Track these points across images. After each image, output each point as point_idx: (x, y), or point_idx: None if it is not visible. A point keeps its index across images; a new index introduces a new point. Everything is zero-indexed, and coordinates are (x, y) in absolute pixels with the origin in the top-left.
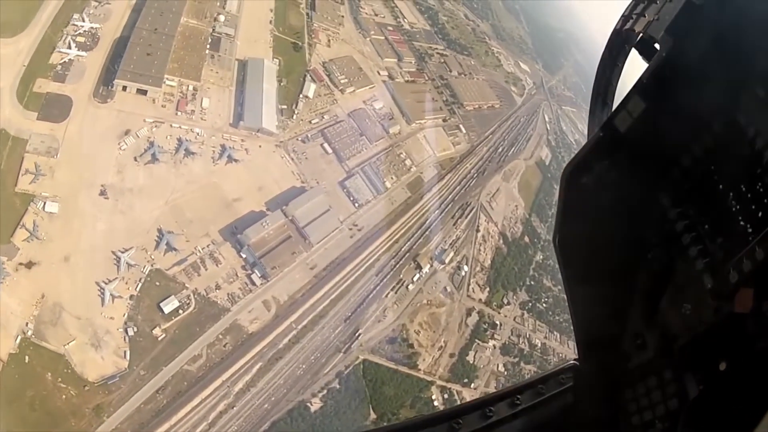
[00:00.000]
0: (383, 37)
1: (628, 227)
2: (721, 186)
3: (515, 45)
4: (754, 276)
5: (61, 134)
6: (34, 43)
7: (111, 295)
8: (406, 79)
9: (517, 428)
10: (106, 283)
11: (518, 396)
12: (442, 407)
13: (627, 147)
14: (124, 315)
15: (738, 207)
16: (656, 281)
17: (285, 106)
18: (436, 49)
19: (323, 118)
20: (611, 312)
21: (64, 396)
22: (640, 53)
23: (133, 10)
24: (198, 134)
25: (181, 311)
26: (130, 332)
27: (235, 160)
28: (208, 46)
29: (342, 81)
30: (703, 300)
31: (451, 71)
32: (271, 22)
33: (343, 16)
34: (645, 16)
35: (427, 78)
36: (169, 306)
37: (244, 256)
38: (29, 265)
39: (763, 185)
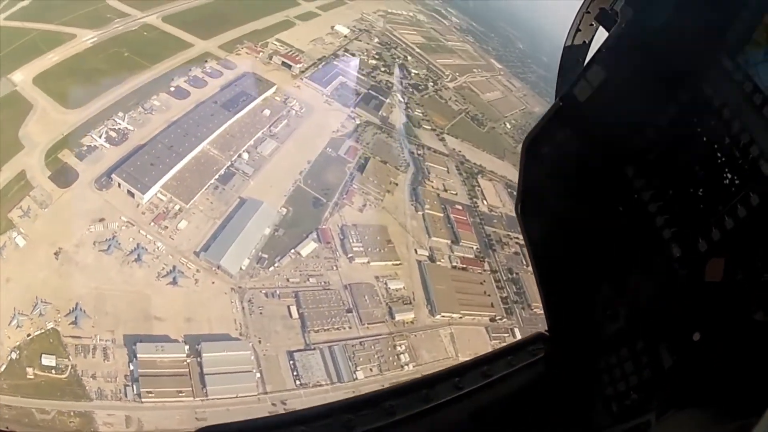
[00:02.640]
0: (442, 215)
1: (592, 197)
2: (687, 155)
3: None
4: (724, 245)
5: (57, 196)
6: (79, 121)
7: (17, 323)
8: (454, 264)
9: (488, 399)
10: (19, 313)
11: (489, 367)
12: None
13: (587, 117)
14: (16, 342)
15: (705, 176)
16: (624, 251)
17: (266, 255)
18: (517, 239)
19: (308, 280)
20: (579, 283)
21: None
22: (605, 27)
23: (169, 124)
24: (158, 248)
25: (54, 371)
26: (13, 356)
27: (178, 284)
28: (216, 177)
29: (356, 249)
30: (673, 269)
31: (527, 266)
32: (301, 173)
33: (396, 184)
34: None
35: (487, 269)
36: (47, 360)
37: (131, 368)
38: None
39: (731, 155)
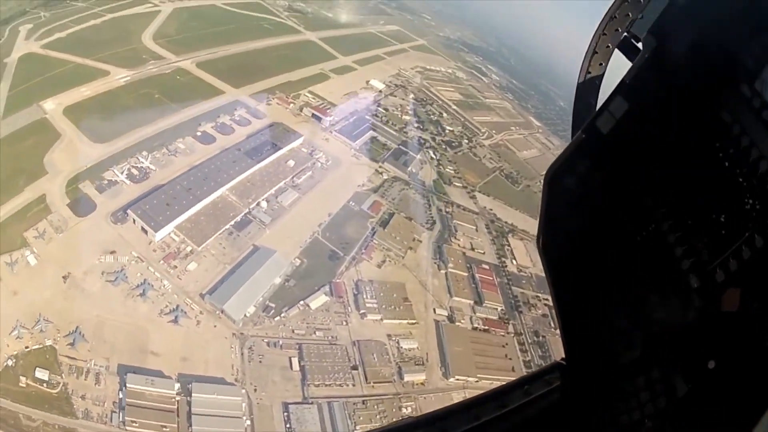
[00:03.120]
0: (466, 274)
1: (613, 228)
2: (706, 185)
3: None
4: (741, 275)
5: (72, 224)
6: (103, 155)
7: (18, 333)
8: (475, 325)
9: (505, 428)
10: (21, 325)
11: (505, 397)
12: None
13: (610, 148)
14: (14, 351)
15: (723, 206)
16: (643, 281)
17: (274, 305)
18: (546, 300)
19: (314, 333)
20: (597, 311)
21: None
22: (624, 52)
23: (191, 168)
24: (164, 286)
25: (45, 385)
26: (9, 363)
27: (178, 323)
28: (232, 223)
29: (369, 305)
30: (690, 299)
31: (555, 328)
32: (320, 225)
33: (420, 242)
34: (629, 15)
35: (511, 331)
36: (40, 374)
37: (120, 396)
38: None
39: (749, 184)
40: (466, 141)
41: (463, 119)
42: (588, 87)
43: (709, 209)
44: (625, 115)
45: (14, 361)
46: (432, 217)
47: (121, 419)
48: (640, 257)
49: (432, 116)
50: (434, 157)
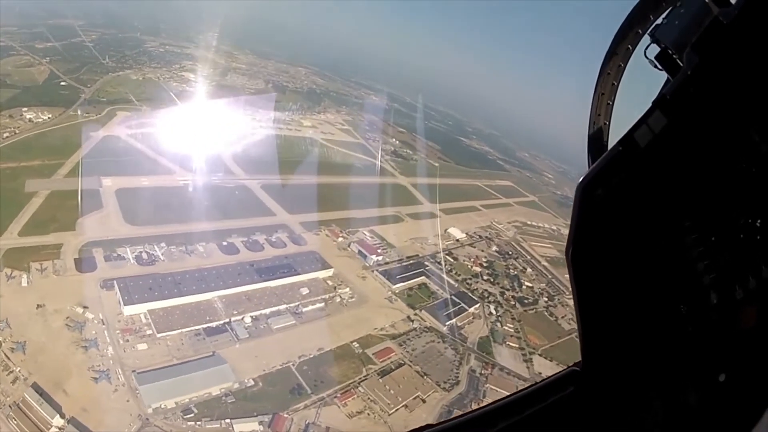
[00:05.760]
0: None
1: (641, 240)
2: (733, 201)
3: None
4: (758, 293)
5: (70, 274)
6: (127, 235)
7: None
8: None
9: None
10: None
11: (522, 403)
12: None
13: (646, 162)
14: None
15: (748, 224)
16: (664, 292)
17: (196, 411)
18: None
19: None
20: (619, 321)
21: None
22: (646, 55)
23: (196, 268)
24: (107, 350)
25: None
26: None
27: (98, 383)
28: (204, 326)
29: None
30: (708, 315)
31: None
32: (300, 357)
33: (424, 401)
34: (651, 18)
35: None
36: None
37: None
38: None
39: None
40: (545, 299)
41: (550, 276)
42: (608, 85)
43: (732, 227)
44: (664, 130)
45: None
46: (457, 377)
47: (7, 414)
48: (664, 269)
49: (511, 270)
50: (493, 312)
